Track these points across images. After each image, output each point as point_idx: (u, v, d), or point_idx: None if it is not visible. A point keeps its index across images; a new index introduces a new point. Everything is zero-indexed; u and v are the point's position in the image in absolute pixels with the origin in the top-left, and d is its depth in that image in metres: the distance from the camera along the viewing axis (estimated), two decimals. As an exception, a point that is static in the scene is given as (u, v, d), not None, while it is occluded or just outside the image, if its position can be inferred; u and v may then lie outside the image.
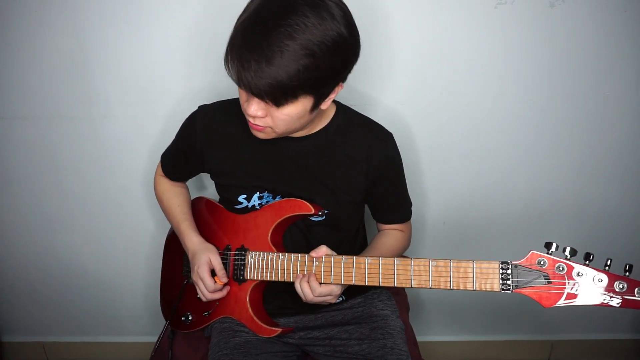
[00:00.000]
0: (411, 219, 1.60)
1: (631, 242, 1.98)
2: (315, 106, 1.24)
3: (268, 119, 1.23)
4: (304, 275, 1.34)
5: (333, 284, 1.32)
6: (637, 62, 1.71)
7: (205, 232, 1.52)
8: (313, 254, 1.33)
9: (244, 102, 1.23)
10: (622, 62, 1.70)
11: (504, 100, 1.77)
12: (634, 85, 1.74)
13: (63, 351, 2.34)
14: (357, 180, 1.43)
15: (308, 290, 1.32)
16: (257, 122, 1.24)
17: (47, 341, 2.33)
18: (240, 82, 1.14)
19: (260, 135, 1.30)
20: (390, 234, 1.57)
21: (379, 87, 1.74)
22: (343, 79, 1.24)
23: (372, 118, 1.50)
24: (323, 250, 1.33)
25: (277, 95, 1.15)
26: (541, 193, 1.92)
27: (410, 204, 1.59)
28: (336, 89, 1.24)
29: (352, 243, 1.57)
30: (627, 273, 1.06)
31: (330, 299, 1.35)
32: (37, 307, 2.24)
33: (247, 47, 1.10)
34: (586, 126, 1.80)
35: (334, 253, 1.33)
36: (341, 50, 1.16)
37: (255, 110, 1.20)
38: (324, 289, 1.32)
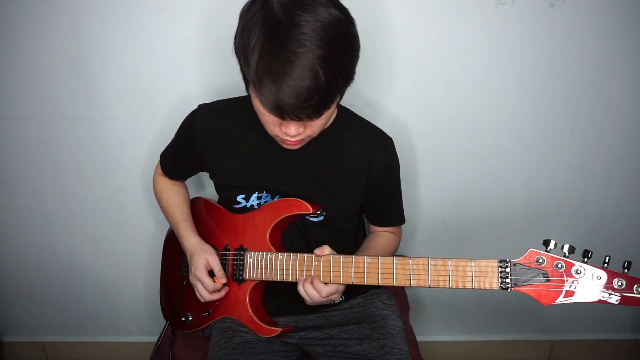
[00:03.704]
0: (405, 222, 1.61)
1: (630, 240, 1.99)
2: (342, 95, 1.26)
3: (307, 130, 1.23)
4: (306, 278, 1.34)
5: (337, 283, 1.32)
6: (637, 61, 1.71)
7: (204, 232, 1.52)
8: (317, 252, 1.33)
9: (276, 126, 1.22)
10: (622, 61, 1.70)
11: (503, 100, 1.77)
12: (634, 85, 1.74)
13: (63, 351, 2.34)
14: (357, 183, 1.44)
15: (314, 292, 1.32)
16: (297, 137, 1.24)
17: (47, 341, 2.33)
18: (283, 114, 1.13)
19: (297, 146, 1.30)
20: (383, 236, 1.58)
21: (378, 87, 1.74)
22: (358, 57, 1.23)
23: (372, 118, 1.50)
24: (327, 250, 1.33)
25: (320, 110, 1.16)
26: (541, 192, 1.92)
27: (403, 210, 1.60)
28: None
29: (352, 242, 1.57)
30: (626, 270, 1.07)
31: (335, 297, 1.36)
32: (37, 307, 2.24)
33: (279, 79, 1.09)
34: (586, 126, 1.81)
35: (335, 253, 1.33)
36: (348, 33, 1.16)
37: (296, 130, 1.21)
38: (331, 288, 1.32)
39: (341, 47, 1.13)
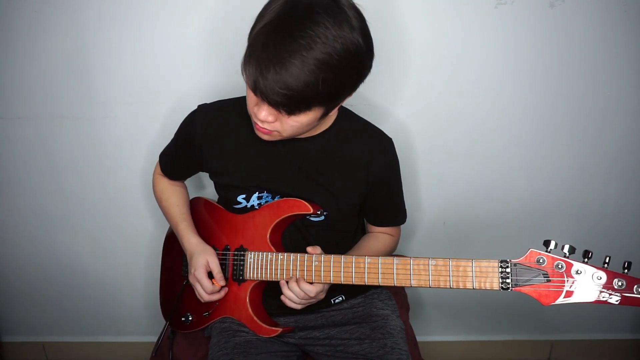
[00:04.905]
0: (406, 222, 1.61)
1: (630, 240, 1.99)
2: (325, 114, 1.25)
3: (277, 124, 1.23)
4: (290, 279, 1.35)
5: (322, 282, 1.34)
6: (637, 61, 1.71)
7: (204, 232, 1.52)
8: (310, 249, 1.34)
9: (253, 105, 1.22)
10: (622, 62, 1.70)
11: (503, 100, 1.77)
12: (634, 85, 1.74)
13: (63, 351, 2.34)
14: (357, 184, 1.44)
15: (303, 294, 1.33)
16: (265, 125, 1.23)
17: (47, 341, 2.33)
18: (256, 89, 1.13)
19: (265, 137, 1.30)
20: (379, 238, 1.57)
21: (378, 87, 1.74)
22: (355, 89, 1.24)
23: (372, 118, 1.50)
24: (319, 250, 1.35)
25: (292, 106, 1.15)
26: (541, 192, 1.92)
27: (405, 209, 1.60)
28: (347, 98, 1.25)
29: (352, 242, 1.56)
30: (626, 270, 1.07)
31: (322, 296, 1.37)
32: (37, 307, 2.24)
33: (267, 55, 1.09)
34: (586, 126, 1.81)
35: (323, 253, 1.34)
36: (358, 62, 1.16)
37: (266, 116, 1.19)
38: (318, 287, 1.34)
39: (340, 65, 1.11)
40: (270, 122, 1.22)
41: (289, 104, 1.14)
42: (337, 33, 1.09)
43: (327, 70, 1.10)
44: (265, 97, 1.13)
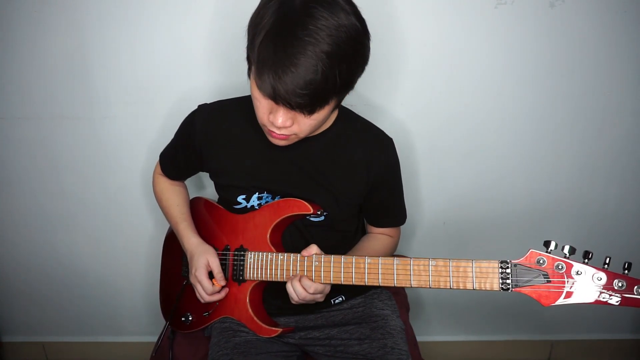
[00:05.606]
0: (405, 223, 1.61)
1: (631, 241, 1.99)
2: (338, 104, 1.26)
3: (295, 127, 1.22)
4: (295, 276, 1.34)
5: (323, 283, 1.33)
6: (637, 61, 1.71)
7: (204, 232, 1.52)
8: (304, 252, 1.33)
9: (267, 114, 1.21)
10: (622, 61, 1.70)
11: (504, 100, 1.77)
12: (634, 85, 1.74)
13: (63, 351, 2.34)
14: (357, 184, 1.44)
15: (301, 290, 1.32)
16: (283, 131, 1.23)
17: (47, 341, 2.33)
18: (276, 96, 1.13)
19: (282, 143, 1.29)
20: (379, 238, 1.57)
21: (378, 87, 1.74)
22: (362, 72, 1.24)
23: (372, 118, 1.50)
24: (314, 249, 1.33)
25: (313, 105, 1.15)
26: (541, 193, 1.92)
27: (405, 209, 1.60)
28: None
29: (352, 243, 1.56)
30: (626, 271, 1.06)
31: (319, 298, 1.36)
32: (37, 307, 2.24)
33: (279, 61, 1.09)
34: (586, 126, 1.80)
35: (323, 253, 1.33)
36: (361, 44, 1.17)
37: (284, 121, 1.19)
38: (319, 286, 1.32)
39: (349, 53, 1.12)
40: (288, 126, 1.21)
41: (310, 103, 1.14)
42: (336, 22, 1.09)
43: (339, 59, 1.11)
44: (287, 102, 1.13)
